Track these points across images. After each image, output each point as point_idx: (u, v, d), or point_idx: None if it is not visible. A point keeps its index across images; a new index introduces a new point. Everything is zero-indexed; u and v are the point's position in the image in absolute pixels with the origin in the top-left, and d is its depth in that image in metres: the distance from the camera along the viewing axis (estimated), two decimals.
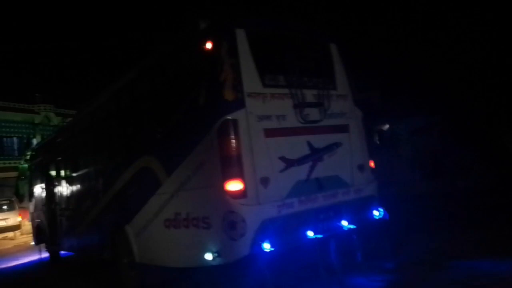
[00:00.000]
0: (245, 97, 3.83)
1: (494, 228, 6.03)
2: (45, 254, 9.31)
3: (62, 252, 8.75)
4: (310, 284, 4.29)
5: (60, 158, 7.90)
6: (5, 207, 17.19)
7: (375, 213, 4.70)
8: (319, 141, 4.34)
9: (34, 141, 24.79)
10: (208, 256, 3.72)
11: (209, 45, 3.86)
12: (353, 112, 4.85)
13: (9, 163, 24.50)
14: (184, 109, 4.20)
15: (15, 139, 25.57)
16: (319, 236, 3.97)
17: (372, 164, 4.96)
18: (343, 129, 4.69)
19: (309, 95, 4.38)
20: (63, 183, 7.67)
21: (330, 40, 4.90)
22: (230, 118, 3.70)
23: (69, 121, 9.65)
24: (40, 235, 9.48)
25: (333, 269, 4.27)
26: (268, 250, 3.58)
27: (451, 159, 15.09)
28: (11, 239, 16.50)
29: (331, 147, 4.43)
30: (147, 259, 4.85)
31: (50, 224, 8.48)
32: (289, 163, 4.02)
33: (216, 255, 3.68)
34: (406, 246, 5.59)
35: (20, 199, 11.16)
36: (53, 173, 8.20)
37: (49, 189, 8.39)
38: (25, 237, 15.72)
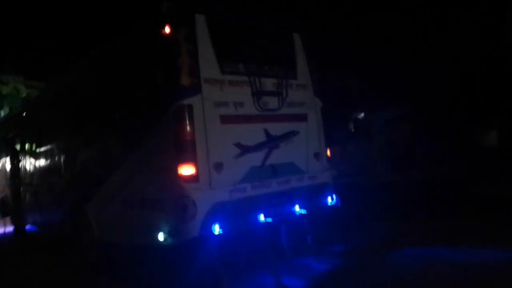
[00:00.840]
0: (201, 83, 3.88)
1: (456, 218, 6.18)
2: (10, 228, 9.26)
3: (28, 226, 8.72)
4: (259, 265, 4.47)
5: (25, 133, 7.80)
6: None
7: (329, 199, 4.90)
8: (276, 129, 4.45)
9: (1, 113, 23.82)
10: (160, 236, 3.85)
11: (167, 30, 3.87)
12: (312, 102, 4.97)
13: None
14: (142, 93, 4.24)
15: None
16: (269, 220, 4.14)
17: (328, 152, 5.13)
18: (301, 118, 4.81)
19: (269, 83, 4.46)
20: (28, 158, 7.60)
21: (294, 29, 4.97)
22: (185, 103, 3.76)
23: (34, 96, 9.48)
24: (5, 208, 9.41)
25: (283, 252, 4.48)
26: (217, 233, 3.73)
27: (423, 149, 15.46)
28: None
29: (287, 135, 4.55)
30: (105, 236, 4.95)
31: (15, 198, 8.42)
32: (244, 150, 4.13)
33: (168, 235, 3.80)
34: (363, 232, 5.79)
35: None
36: (18, 147, 8.10)
37: (14, 163, 8.29)
38: None
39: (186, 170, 3.72)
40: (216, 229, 3.73)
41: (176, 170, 3.71)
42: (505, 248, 4.55)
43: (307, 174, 4.70)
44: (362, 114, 19.59)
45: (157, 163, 3.97)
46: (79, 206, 5.36)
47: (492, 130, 13.92)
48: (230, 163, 3.99)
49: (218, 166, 3.89)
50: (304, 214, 4.51)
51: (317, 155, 4.89)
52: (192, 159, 3.73)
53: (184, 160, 3.72)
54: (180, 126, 3.74)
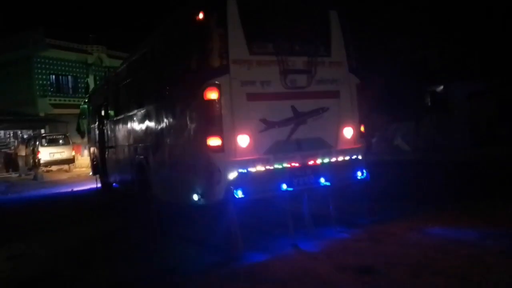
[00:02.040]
0: (230, 64, 4.30)
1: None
2: (99, 184, 10.91)
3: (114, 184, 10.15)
4: (279, 229, 4.90)
5: (106, 103, 9.02)
6: (61, 141, 19.17)
7: (358, 174, 5.08)
8: (304, 105, 4.72)
9: (87, 81, 26.14)
10: (195, 197, 4.49)
11: (200, 15, 4.31)
12: (346, 79, 5.09)
13: (64, 100, 25.60)
14: (181, 73, 4.82)
15: (69, 77, 26.50)
16: (290, 189, 4.52)
17: (362, 128, 5.25)
18: (333, 95, 4.98)
19: (298, 61, 4.70)
20: (109, 124, 8.83)
21: (329, 7, 5.06)
22: (213, 82, 4.23)
23: (111, 71, 10.76)
24: (95, 167, 11.09)
25: (303, 219, 4.85)
26: (239, 197, 4.24)
27: (506, 127, 13.93)
28: (66, 171, 18.65)
29: (316, 112, 4.79)
30: (159, 194, 5.79)
31: (102, 158, 9.87)
32: (270, 125, 4.50)
33: (200, 196, 4.43)
34: (399, 210, 5.78)
35: (81, 135, 12.88)
36: (102, 114, 9.41)
37: (100, 128, 9.67)
38: (78, 170, 17.72)
39: (213, 141, 4.24)
40: (239, 194, 4.24)
41: (205, 141, 4.26)
42: None
43: (335, 149, 4.92)
44: (441, 87, 18.18)
45: (192, 134, 4.57)
46: (142, 168, 6.28)
47: None
48: (255, 136, 4.41)
49: (243, 139, 4.35)
50: (328, 186, 4.79)
51: (348, 131, 5.05)
52: (219, 132, 4.24)
53: (212, 133, 4.24)
54: (208, 103, 4.24)
